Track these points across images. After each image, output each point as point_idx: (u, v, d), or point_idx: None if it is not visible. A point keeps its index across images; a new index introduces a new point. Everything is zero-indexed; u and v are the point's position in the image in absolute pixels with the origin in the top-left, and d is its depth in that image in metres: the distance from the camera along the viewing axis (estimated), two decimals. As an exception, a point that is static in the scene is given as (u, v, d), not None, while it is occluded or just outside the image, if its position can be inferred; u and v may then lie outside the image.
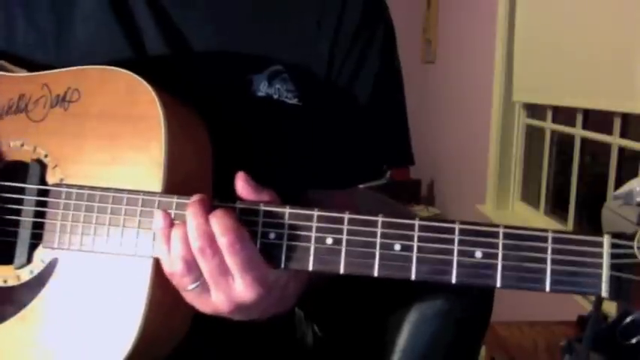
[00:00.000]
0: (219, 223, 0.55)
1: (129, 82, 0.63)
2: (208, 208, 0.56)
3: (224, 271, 0.56)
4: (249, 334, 0.79)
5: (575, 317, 1.84)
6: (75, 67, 0.66)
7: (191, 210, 0.56)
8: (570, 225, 2.40)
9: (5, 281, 0.64)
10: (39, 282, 0.63)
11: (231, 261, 0.56)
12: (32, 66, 0.70)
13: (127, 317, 0.59)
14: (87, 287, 0.62)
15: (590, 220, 2.34)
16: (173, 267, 0.57)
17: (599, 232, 0.51)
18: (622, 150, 2.08)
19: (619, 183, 1.92)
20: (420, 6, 4.31)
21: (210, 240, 0.55)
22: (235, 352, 0.79)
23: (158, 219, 0.58)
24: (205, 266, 0.56)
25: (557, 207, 2.64)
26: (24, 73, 0.69)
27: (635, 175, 1.55)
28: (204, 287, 0.58)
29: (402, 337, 0.84)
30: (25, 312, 0.63)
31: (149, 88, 0.62)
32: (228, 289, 0.57)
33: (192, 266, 0.56)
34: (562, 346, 1.56)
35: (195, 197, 0.57)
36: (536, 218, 2.73)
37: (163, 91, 0.63)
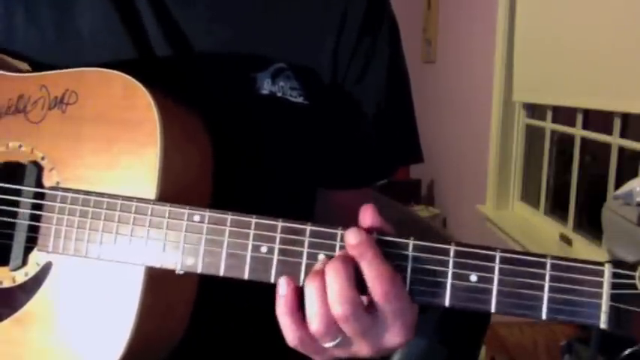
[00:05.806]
0: (373, 269, 0.50)
1: (126, 85, 0.62)
2: (351, 266, 0.51)
3: (369, 326, 0.51)
4: (248, 335, 0.78)
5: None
6: (73, 69, 0.66)
7: (332, 268, 0.51)
8: (570, 225, 2.39)
9: (0, 282, 0.64)
10: (34, 284, 0.63)
11: (382, 309, 0.51)
12: (33, 62, 0.70)
13: (120, 321, 0.59)
14: (80, 290, 0.62)
15: (590, 220, 2.34)
16: (311, 326, 0.52)
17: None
18: (622, 150, 2.07)
19: (619, 183, 1.91)
20: (420, 6, 4.31)
21: (355, 306, 0.50)
22: (234, 353, 0.78)
23: (281, 285, 0.53)
24: (348, 329, 0.52)
25: (557, 207, 2.64)
26: (23, 74, 0.68)
27: (635, 175, 1.54)
28: (345, 342, 0.53)
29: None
30: (19, 314, 0.63)
31: (146, 91, 0.61)
32: (375, 338, 0.53)
33: (331, 330, 0.51)
34: (562, 346, 1.56)
35: (340, 254, 0.52)
36: (536, 218, 2.72)
37: (162, 94, 0.63)
